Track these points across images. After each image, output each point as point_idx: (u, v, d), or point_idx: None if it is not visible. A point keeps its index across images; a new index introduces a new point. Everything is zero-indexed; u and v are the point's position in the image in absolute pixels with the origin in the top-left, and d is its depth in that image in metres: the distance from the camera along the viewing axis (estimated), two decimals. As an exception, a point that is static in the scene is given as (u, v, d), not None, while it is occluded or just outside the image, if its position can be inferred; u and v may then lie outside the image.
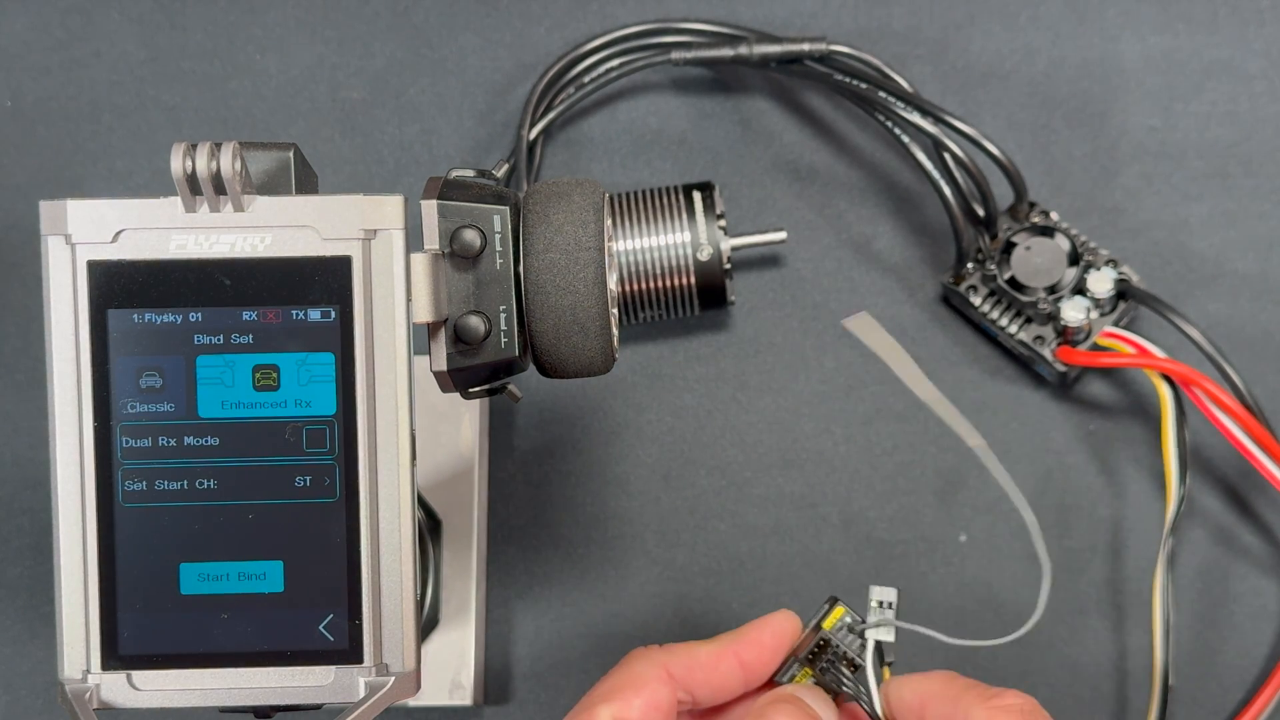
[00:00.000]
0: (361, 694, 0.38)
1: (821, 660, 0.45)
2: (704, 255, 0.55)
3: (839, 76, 0.57)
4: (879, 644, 0.45)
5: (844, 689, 0.45)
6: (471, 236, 0.38)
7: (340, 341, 0.38)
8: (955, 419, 0.45)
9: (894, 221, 0.59)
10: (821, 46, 0.57)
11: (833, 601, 0.46)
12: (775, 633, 0.46)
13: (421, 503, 0.54)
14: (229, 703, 0.38)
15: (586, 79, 0.59)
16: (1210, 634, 0.55)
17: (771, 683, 0.45)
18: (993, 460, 0.45)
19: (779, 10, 0.61)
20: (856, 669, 0.45)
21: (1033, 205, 0.57)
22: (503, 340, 0.39)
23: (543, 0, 0.62)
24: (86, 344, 0.38)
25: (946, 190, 0.55)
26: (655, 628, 0.56)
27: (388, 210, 0.38)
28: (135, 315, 0.38)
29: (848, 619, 0.46)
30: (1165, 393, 0.53)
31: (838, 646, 0.45)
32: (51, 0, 0.62)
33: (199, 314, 0.38)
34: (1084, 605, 0.55)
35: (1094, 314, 0.55)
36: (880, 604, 0.45)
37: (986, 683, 0.55)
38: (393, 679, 0.38)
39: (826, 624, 0.46)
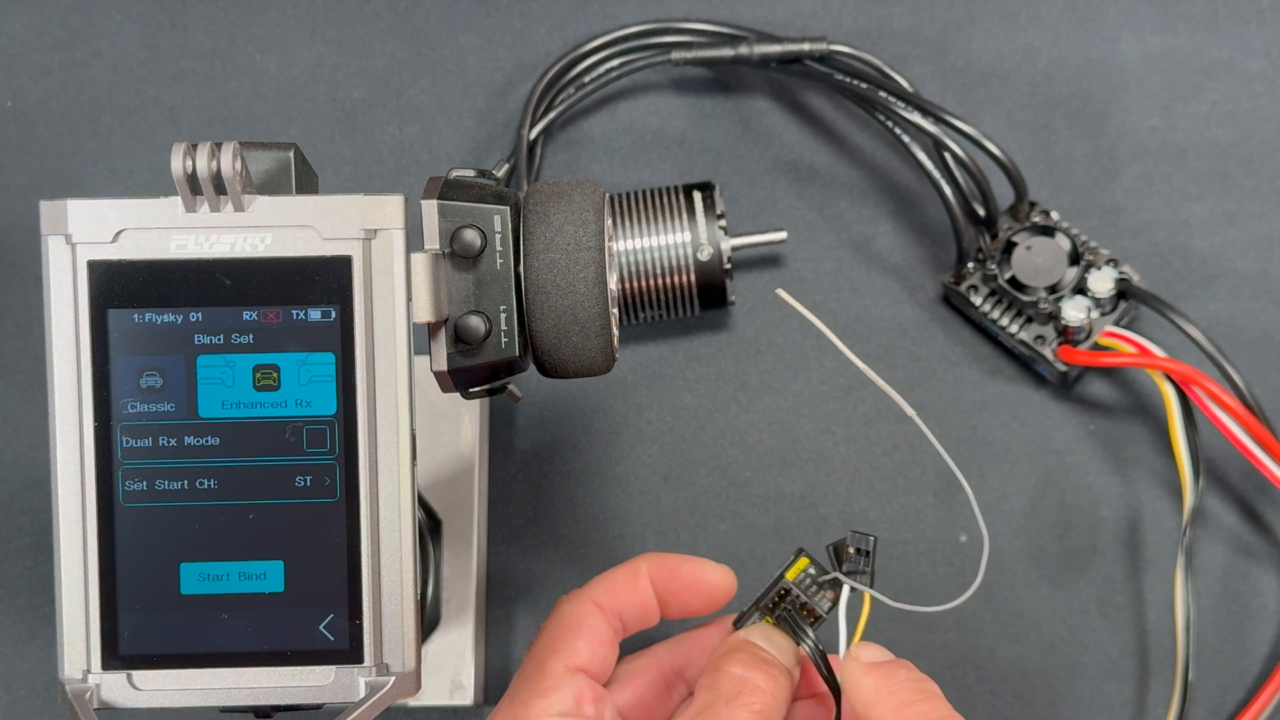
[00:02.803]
0: (362, 694, 0.38)
1: (781, 609, 0.46)
2: (704, 255, 0.55)
3: (839, 76, 0.57)
4: (852, 591, 0.45)
5: (802, 643, 0.45)
6: (472, 236, 0.38)
7: (340, 341, 0.38)
8: (887, 389, 0.45)
9: (894, 221, 0.59)
10: (822, 46, 0.57)
11: (799, 553, 0.46)
12: (695, 569, 0.47)
13: (421, 503, 0.54)
14: (229, 703, 0.38)
15: (586, 79, 0.59)
16: (1211, 633, 0.55)
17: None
18: (927, 430, 0.45)
19: (779, 10, 0.61)
20: (816, 619, 0.46)
21: (1033, 205, 0.57)
22: (503, 340, 0.39)
23: (543, 0, 0.62)
24: (87, 344, 0.38)
25: (947, 190, 0.55)
26: (654, 627, 0.56)
27: (388, 210, 0.38)
28: (135, 315, 0.38)
29: (811, 569, 0.46)
30: (1169, 392, 0.53)
31: (798, 596, 0.46)
32: (51, 0, 0.62)
33: (199, 314, 0.38)
34: (1084, 605, 0.55)
35: (1095, 313, 0.55)
36: (858, 551, 0.45)
37: (987, 683, 0.55)
38: (393, 679, 0.38)
39: (789, 574, 0.46)
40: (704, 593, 0.47)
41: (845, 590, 0.45)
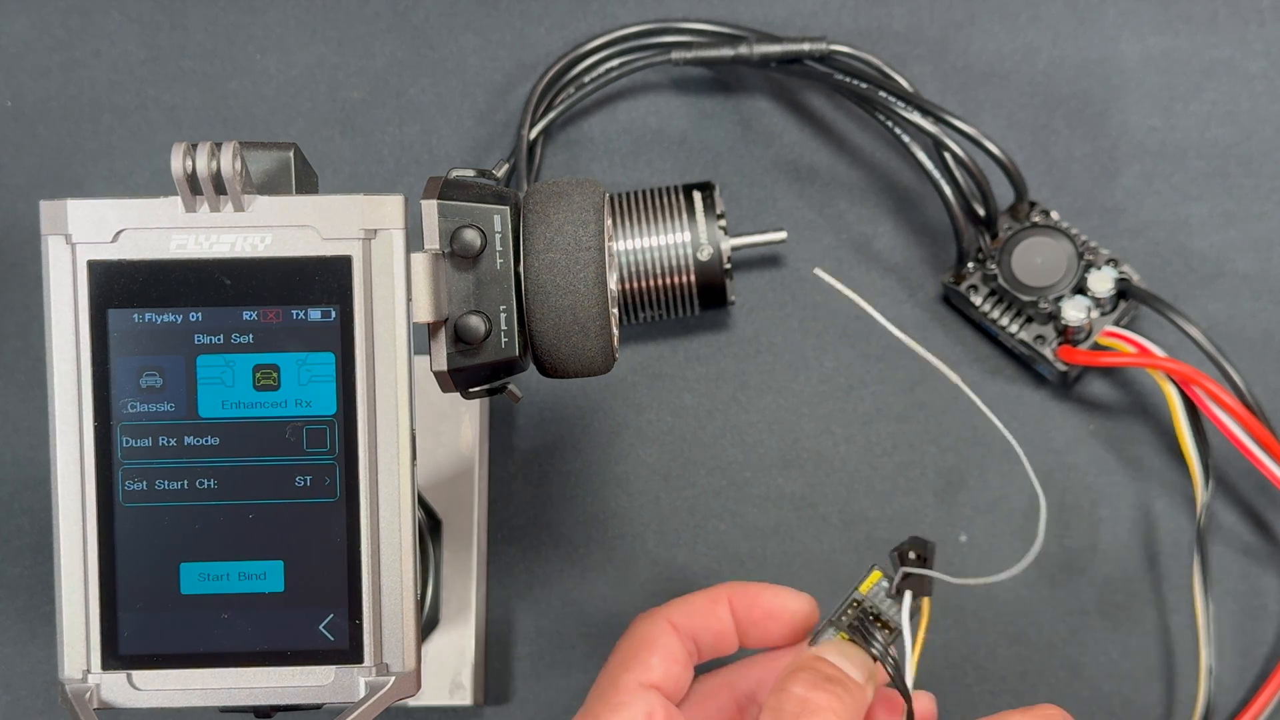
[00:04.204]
0: (361, 694, 0.38)
1: (855, 622, 0.46)
2: (704, 255, 0.55)
3: (839, 76, 0.57)
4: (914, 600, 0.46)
5: (873, 651, 0.45)
6: (472, 236, 0.38)
7: (340, 341, 0.38)
8: (933, 359, 0.46)
9: (894, 221, 0.59)
10: (822, 46, 0.57)
11: (871, 568, 0.47)
12: (776, 598, 0.47)
13: (421, 503, 0.54)
14: (229, 703, 0.38)
15: (586, 79, 0.59)
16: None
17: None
18: (978, 400, 0.46)
19: (779, 10, 0.61)
20: (892, 631, 0.46)
21: (1033, 204, 0.57)
22: (503, 340, 0.39)
23: (543, 0, 0.62)
24: (86, 344, 0.38)
25: (947, 190, 0.55)
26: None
27: (388, 210, 0.38)
28: (135, 315, 0.38)
29: (884, 583, 0.47)
30: (1171, 392, 0.53)
31: (872, 608, 0.46)
32: (51, 0, 0.62)
33: (199, 314, 0.38)
34: (1084, 605, 0.55)
35: (1094, 313, 0.55)
36: (918, 556, 0.46)
37: (987, 683, 0.55)
38: (393, 679, 0.38)
39: (863, 588, 0.47)
40: (785, 621, 0.47)
41: (907, 596, 0.46)
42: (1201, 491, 0.53)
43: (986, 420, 0.57)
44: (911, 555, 0.46)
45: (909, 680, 0.45)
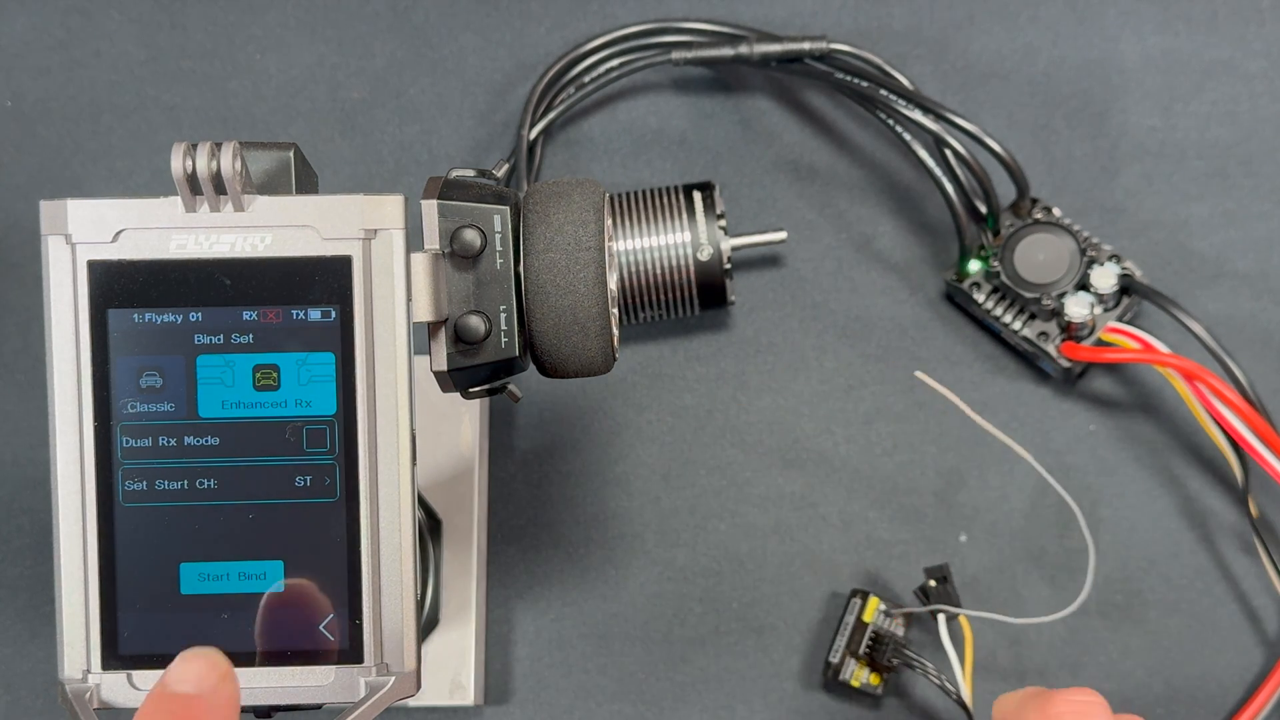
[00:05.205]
0: (361, 694, 0.38)
1: (876, 651, 0.52)
2: (704, 255, 0.55)
3: (840, 75, 0.57)
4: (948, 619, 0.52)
5: (929, 678, 0.51)
6: (472, 236, 0.38)
7: (340, 341, 0.38)
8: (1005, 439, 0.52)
9: (895, 220, 0.59)
10: (822, 45, 0.57)
11: (864, 595, 0.53)
12: None
13: (421, 503, 0.54)
14: (229, 703, 0.38)
15: (586, 79, 0.59)
16: (1210, 632, 0.55)
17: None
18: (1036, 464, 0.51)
19: (779, 10, 0.61)
20: (904, 648, 0.52)
21: (1035, 201, 0.57)
22: (503, 340, 0.39)
23: (543, 0, 0.62)
24: (86, 344, 0.38)
25: (949, 187, 0.55)
26: (655, 628, 0.56)
27: (388, 210, 0.38)
28: (135, 315, 0.38)
29: (883, 607, 0.52)
30: (1183, 386, 0.53)
31: (889, 635, 0.52)
32: (51, 0, 0.62)
33: (199, 314, 0.38)
34: (1084, 605, 0.55)
35: (1097, 309, 0.55)
36: (937, 581, 0.52)
37: (988, 684, 0.55)
38: (393, 679, 0.38)
39: (867, 617, 0.52)
40: None
41: (942, 621, 0.51)
42: (1238, 468, 0.54)
43: (989, 419, 0.57)
44: (932, 583, 0.52)
45: (967, 697, 0.50)
